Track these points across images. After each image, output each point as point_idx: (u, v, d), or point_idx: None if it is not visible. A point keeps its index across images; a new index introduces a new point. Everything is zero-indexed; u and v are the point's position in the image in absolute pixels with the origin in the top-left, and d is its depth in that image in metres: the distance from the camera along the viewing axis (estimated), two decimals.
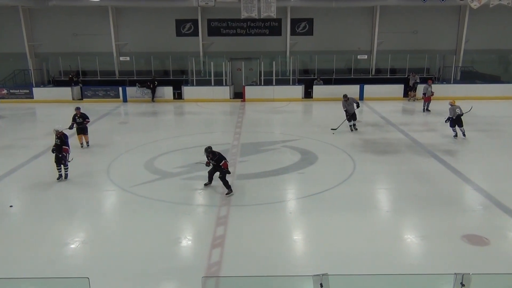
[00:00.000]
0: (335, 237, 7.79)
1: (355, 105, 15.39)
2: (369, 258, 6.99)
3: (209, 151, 9.64)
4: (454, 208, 8.99)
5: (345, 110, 15.41)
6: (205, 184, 10.10)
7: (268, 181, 10.71)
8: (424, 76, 23.77)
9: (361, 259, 6.98)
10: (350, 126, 15.56)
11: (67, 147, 10.68)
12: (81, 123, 13.39)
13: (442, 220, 8.40)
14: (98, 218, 8.85)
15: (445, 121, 14.39)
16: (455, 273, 4.11)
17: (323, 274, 4.08)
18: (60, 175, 10.65)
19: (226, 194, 9.55)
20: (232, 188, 9.67)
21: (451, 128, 14.38)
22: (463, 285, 4.14)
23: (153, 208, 9.14)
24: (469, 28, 24.65)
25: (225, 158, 9.73)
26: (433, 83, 20.35)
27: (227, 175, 9.65)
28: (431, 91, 18.93)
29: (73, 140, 12.88)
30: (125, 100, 23.13)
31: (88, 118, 13.71)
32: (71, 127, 13.22)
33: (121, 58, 24.84)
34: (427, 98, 19.10)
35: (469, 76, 24.68)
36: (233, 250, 7.32)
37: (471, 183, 10.32)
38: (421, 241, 7.68)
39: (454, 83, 23.73)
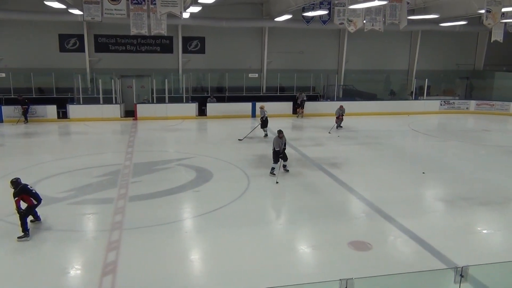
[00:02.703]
0: (232, 253, 7.84)
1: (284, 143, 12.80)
2: (266, 272, 7.17)
3: (12, 181, 8.39)
4: (341, 217, 9.64)
5: (277, 150, 12.42)
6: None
7: (162, 201, 10.47)
8: (311, 94, 25.31)
9: (258, 274, 7.13)
10: (285, 166, 12.84)
11: None
12: None
13: (330, 229, 8.95)
14: None
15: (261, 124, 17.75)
16: (340, 279, 4.38)
17: None
18: None
19: (18, 237, 8.14)
20: (29, 232, 8.22)
21: (263, 129, 17.83)
22: None
23: (35, 238, 8.34)
24: (348, 50, 26.96)
25: (24, 194, 8.32)
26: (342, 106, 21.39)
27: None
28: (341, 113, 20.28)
29: None
30: (0, 120, 21.02)
31: None
32: None
33: None
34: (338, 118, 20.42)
35: (350, 94, 26.83)
36: (127, 276, 6.99)
37: (355, 193, 11.15)
38: (313, 251, 8.11)
39: (337, 100, 25.43)
